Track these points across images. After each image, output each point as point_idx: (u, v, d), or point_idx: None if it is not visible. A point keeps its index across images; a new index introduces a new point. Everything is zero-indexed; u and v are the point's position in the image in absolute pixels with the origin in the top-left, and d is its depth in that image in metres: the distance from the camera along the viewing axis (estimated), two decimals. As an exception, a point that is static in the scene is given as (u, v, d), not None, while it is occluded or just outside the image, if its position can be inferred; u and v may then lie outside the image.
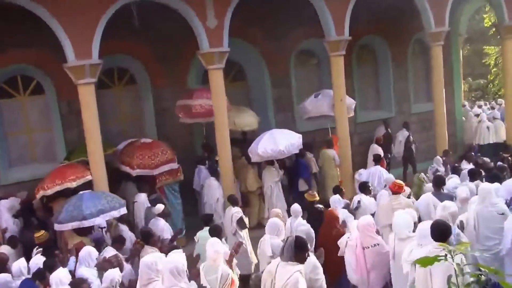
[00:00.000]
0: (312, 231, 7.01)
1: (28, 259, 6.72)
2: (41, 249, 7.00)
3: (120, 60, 10.61)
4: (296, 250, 4.36)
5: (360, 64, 13.50)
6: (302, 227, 7.03)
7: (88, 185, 8.52)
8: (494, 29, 20.35)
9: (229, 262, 5.79)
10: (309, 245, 4.98)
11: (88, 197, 7.62)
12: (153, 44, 10.55)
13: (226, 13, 9.29)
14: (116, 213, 7.66)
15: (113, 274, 5.27)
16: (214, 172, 9.96)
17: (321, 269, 5.13)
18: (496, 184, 7.02)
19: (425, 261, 2.62)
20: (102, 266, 5.75)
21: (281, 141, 9.67)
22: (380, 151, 11.46)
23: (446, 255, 2.67)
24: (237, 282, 5.32)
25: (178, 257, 4.91)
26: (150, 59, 10.83)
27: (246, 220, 7.97)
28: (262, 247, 6.29)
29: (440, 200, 7.16)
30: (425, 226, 5.05)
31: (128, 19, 9.23)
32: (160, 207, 8.15)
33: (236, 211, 7.99)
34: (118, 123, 11.02)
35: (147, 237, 6.74)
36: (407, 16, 12.22)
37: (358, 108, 13.29)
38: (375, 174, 10.00)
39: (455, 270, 2.64)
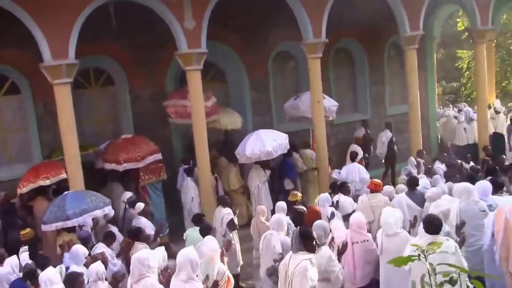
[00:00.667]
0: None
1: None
2: (26, 247, 6.97)
3: (98, 60, 10.53)
4: (302, 240, 4.71)
5: (337, 66, 13.69)
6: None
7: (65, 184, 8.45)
8: (467, 34, 20.89)
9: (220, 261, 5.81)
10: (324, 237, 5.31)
11: (72, 197, 7.60)
12: (131, 45, 10.50)
13: (204, 14, 9.31)
14: (99, 212, 7.62)
15: (97, 267, 5.26)
16: (191, 172, 9.97)
17: (336, 261, 5.31)
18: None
19: (399, 261, 2.70)
20: (90, 263, 5.74)
21: (268, 142, 9.77)
22: (359, 150, 11.63)
23: (419, 255, 2.76)
24: (232, 281, 5.33)
25: (192, 250, 4.88)
26: (128, 60, 10.76)
27: (235, 220, 7.98)
28: (268, 243, 6.37)
29: (413, 200, 7.42)
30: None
31: (105, 19, 9.16)
32: (140, 205, 8.21)
33: (227, 212, 7.97)
34: (94, 124, 10.92)
35: (136, 233, 6.78)
36: (383, 20, 12.44)
37: (335, 110, 13.49)
38: (354, 170, 10.25)
39: (428, 270, 2.73)
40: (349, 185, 8.85)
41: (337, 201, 8.16)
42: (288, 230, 6.84)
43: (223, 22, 10.57)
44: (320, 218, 7.02)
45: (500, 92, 22.24)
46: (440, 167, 10.30)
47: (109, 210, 7.84)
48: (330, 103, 11.44)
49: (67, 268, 5.99)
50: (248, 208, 10.43)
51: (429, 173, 9.78)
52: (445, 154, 11.97)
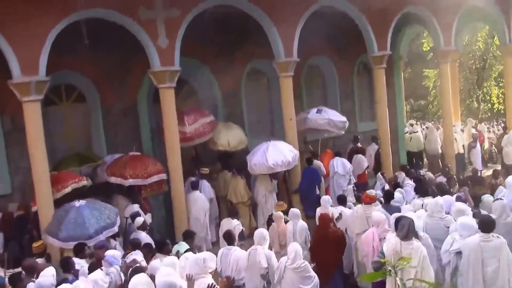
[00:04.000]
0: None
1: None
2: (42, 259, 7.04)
3: (69, 77, 10.41)
4: (412, 229, 5.56)
5: (309, 84, 13.96)
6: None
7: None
8: (432, 54, 21.67)
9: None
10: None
11: (88, 212, 7.40)
12: (103, 61, 10.43)
13: (178, 33, 9.39)
14: (116, 228, 7.65)
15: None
16: (196, 186, 10.03)
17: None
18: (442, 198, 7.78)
19: (370, 277, 2.79)
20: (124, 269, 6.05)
21: (287, 152, 10.19)
22: (363, 161, 12.28)
23: (390, 271, 2.86)
24: None
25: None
26: (100, 77, 10.69)
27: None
28: (253, 258, 6.54)
29: (389, 212, 7.80)
30: (466, 220, 6.15)
31: (77, 36, 9.12)
32: (139, 220, 8.31)
33: (237, 224, 8.34)
34: (65, 141, 10.72)
35: (162, 246, 7.04)
36: (352, 39, 12.81)
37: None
38: (339, 162, 11.38)
39: (398, 286, 2.82)
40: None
41: (340, 213, 8.56)
42: (307, 238, 7.92)
43: (196, 39, 10.65)
44: (331, 222, 7.81)
45: (465, 109, 23.08)
46: (409, 182, 10.60)
47: (118, 221, 7.87)
48: (337, 118, 11.87)
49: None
50: (251, 219, 10.63)
51: (398, 187, 10.08)
52: (413, 170, 12.31)
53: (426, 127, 18.51)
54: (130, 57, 10.29)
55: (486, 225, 5.73)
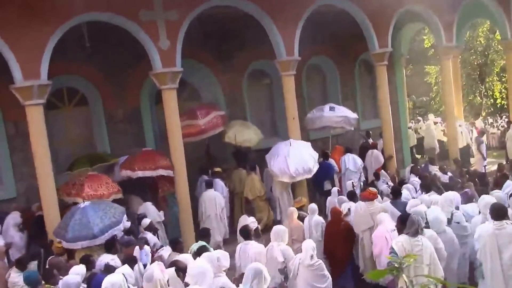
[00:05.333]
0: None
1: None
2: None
3: (71, 80, 10.43)
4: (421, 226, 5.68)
5: (310, 83, 13.94)
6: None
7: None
8: (433, 50, 21.60)
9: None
10: None
11: (93, 212, 7.44)
12: (105, 64, 10.45)
13: (178, 34, 9.38)
14: (122, 226, 7.64)
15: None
16: (210, 184, 10.08)
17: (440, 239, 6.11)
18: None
19: (377, 274, 2.77)
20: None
21: (308, 158, 10.25)
22: (380, 156, 12.28)
23: (397, 268, 2.84)
24: None
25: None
26: (102, 80, 10.70)
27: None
28: (271, 254, 6.67)
29: (397, 208, 7.90)
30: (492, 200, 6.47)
31: (78, 39, 9.12)
32: (146, 221, 8.35)
33: (252, 221, 8.37)
34: (68, 145, 10.75)
35: (175, 244, 7.14)
36: (353, 37, 12.78)
37: (309, 126, 13.67)
38: (350, 158, 11.48)
39: (405, 282, 2.81)
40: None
41: (349, 209, 8.55)
42: (323, 232, 7.95)
43: (197, 41, 10.65)
44: (341, 215, 7.96)
45: (467, 105, 22.99)
46: (415, 179, 10.57)
47: (126, 221, 7.88)
48: (351, 115, 11.96)
49: (144, 265, 6.60)
50: (269, 213, 10.75)
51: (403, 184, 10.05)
52: (418, 167, 12.27)
53: (420, 122, 19.23)
54: (131, 59, 10.30)
55: (499, 212, 5.80)
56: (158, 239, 8.47)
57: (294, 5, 10.69)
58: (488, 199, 7.07)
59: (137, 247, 7.09)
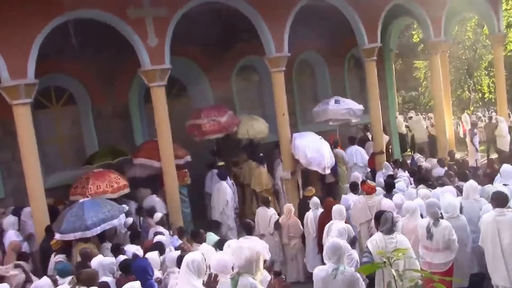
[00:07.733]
0: None
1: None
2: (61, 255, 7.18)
3: (58, 79, 10.33)
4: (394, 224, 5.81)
5: (300, 79, 13.94)
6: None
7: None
8: (422, 45, 21.72)
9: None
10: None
11: (89, 206, 7.56)
12: (93, 62, 10.36)
13: (167, 31, 9.33)
14: (116, 222, 7.72)
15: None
16: (223, 176, 10.24)
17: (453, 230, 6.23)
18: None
19: (366, 269, 2.79)
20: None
21: (326, 154, 10.39)
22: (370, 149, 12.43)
23: (385, 262, 2.85)
24: None
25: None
26: (90, 78, 10.62)
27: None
28: (329, 230, 6.95)
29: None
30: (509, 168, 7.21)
31: (66, 37, 9.03)
32: (158, 215, 8.39)
33: (273, 213, 8.65)
34: (56, 144, 10.66)
35: (195, 235, 7.36)
36: (342, 33, 12.79)
37: (299, 122, 13.70)
38: (357, 152, 11.68)
39: (394, 276, 2.82)
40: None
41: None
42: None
43: (186, 37, 10.60)
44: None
45: (456, 99, 23.18)
46: (403, 175, 10.62)
47: (123, 218, 7.94)
48: (356, 107, 12.05)
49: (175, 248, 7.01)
50: (275, 205, 10.89)
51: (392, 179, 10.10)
52: (408, 162, 12.34)
53: (410, 117, 19.72)
54: (119, 57, 10.22)
55: (500, 199, 5.96)
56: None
57: (284, 1, 10.67)
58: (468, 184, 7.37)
59: (166, 232, 7.58)
